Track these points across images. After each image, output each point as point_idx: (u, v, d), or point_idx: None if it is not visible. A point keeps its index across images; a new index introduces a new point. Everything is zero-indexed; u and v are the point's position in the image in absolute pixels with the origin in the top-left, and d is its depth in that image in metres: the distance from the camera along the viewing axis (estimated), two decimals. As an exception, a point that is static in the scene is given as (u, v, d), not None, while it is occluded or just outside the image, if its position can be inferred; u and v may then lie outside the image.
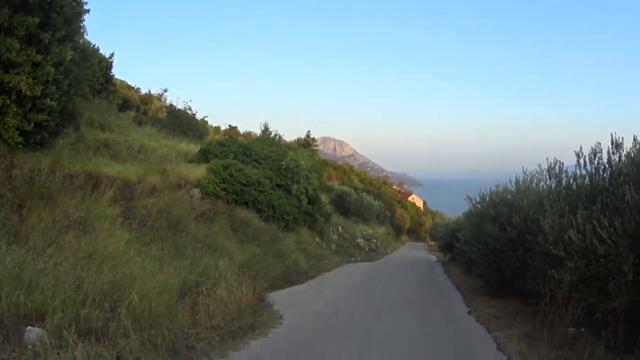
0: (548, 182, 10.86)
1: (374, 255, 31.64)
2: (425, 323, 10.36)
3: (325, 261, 22.16)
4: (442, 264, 29.71)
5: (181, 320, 7.90)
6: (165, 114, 29.74)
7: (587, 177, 9.62)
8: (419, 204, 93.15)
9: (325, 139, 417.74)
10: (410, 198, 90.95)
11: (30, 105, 10.16)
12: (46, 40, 10.44)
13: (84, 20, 12.60)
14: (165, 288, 8.61)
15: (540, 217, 9.83)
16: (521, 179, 13.89)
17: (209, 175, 17.33)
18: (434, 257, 36.70)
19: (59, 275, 7.46)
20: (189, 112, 30.41)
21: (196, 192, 16.49)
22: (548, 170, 10.81)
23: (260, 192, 18.74)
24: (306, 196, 21.97)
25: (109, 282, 7.90)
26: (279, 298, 11.81)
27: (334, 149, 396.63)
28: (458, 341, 9.10)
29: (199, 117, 33.10)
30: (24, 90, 9.82)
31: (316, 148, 51.52)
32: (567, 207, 9.37)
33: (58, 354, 5.45)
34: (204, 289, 9.54)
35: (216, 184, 17.11)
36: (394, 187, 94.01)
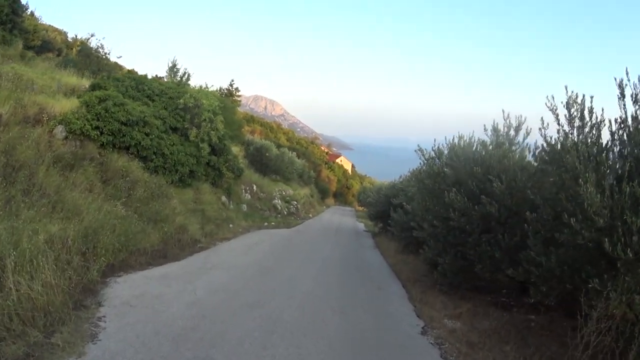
0: (566, 127, 6.53)
1: (292, 220, 27.18)
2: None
3: (230, 226, 17.63)
4: (371, 235, 25.61)
5: None
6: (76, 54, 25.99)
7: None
8: (348, 166, 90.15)
9: (256, 97, 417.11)
10: (338, 160, 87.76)
11: None
12: None
13: None
14: None
15: (582, 184, 5.43)
16: (500, 126, 9.72)
17: (80, 109, 12.69)
18: (361, 226, 32.68)
19: None
20: (101, 51, 26.30)
21: (59, 129, 11.86)
22: (567, 107, 6.45)
23: (147, 134, 13.98)
24: (209, 144, 17.19)
25: None
26: (122, 290, 7.18)
27: (265, 107, 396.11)
28: None
29: (113, 59, 29.39)
30: None
31: (239, 99, 47.02)
32: (628, 167, 5.18)
33: None
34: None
35: (87, 120, 12.45)
36: (322, 148, 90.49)
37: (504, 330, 7.17)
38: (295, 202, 32.20)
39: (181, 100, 16.68)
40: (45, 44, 24.14)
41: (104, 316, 5.90)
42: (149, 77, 19.92)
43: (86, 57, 24.28)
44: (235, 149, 25.70)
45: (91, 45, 26.90)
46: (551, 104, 6.73)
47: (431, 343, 6.79)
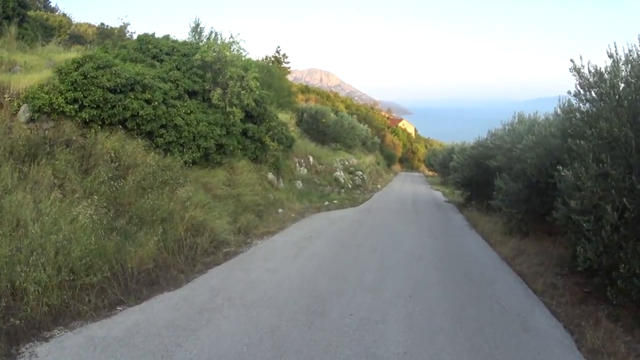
0: None
1: (358, 195, 22.74)
2: None
3: (280, 211, 13.68)
4: (457, 208, 20.77)
5: None
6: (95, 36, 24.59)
7: None
8: (410, 130, 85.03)
9: (311, 70, 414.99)
10: (400, 124, 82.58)
11: None
12: None
13: None
14: None
15: None
16: None
17: (52, 80, 9.33)
18: (439, 195, 27.85)
19: None
20: (123, 29, 25.11)
21: (22, 110, 8.71)
22: None
23: (147, 102, 10.19)
24: (242, 109, 13.12)
25: None
26: None
27: (320, 79, 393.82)
28: None
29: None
30: None
31: (288, 66, 43.01)
32: None
33: None
34: None
35: (60, 92, 9.06)
36: (383, 113, 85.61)
37: None
38: (361, 173, 27.90)
39: (197, 56, 12.72)
40: (74, 38, 22.41)
41: None
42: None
43: (106, 38, 22.12)
44: (286, 117, 21.64)
45: (112, 26, 25.68)
46: None
47: None
